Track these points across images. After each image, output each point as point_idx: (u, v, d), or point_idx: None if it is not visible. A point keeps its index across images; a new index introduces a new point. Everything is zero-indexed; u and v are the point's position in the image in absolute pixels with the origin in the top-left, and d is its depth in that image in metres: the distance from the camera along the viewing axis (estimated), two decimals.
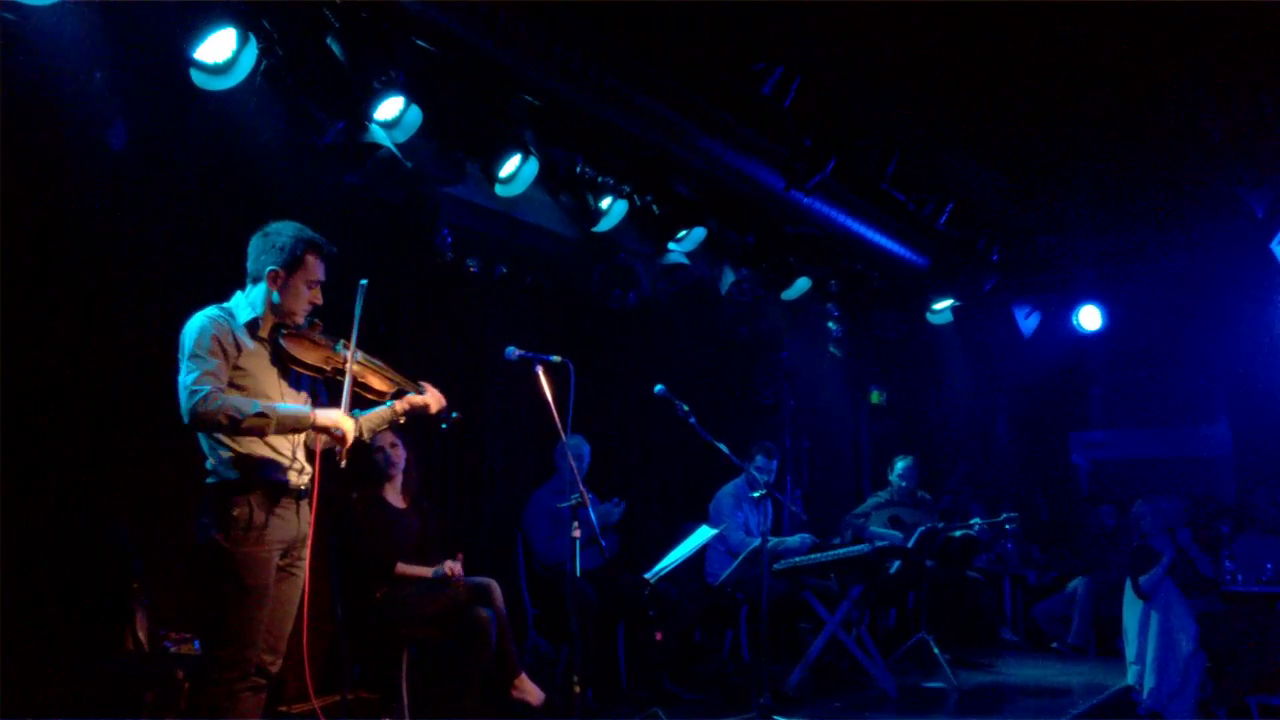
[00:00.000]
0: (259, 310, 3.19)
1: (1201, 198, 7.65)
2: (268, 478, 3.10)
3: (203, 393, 2.93)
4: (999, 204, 8.01)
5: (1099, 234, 8.54)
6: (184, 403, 2.95)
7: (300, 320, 3.23)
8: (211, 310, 3.15)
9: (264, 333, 3.19)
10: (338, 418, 3.12)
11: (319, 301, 3.26)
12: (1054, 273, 8.79)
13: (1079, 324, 9.17)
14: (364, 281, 3.21)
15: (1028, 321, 8.90)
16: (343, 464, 3.24)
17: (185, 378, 2.97)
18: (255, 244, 3.23)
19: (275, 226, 3.23)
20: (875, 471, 8.90)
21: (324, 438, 3.28)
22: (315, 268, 3.22)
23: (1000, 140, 7.09)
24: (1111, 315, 9.10)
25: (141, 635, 3.94)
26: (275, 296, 3.18)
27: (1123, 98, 6.52)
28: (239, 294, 3.25)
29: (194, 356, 3.00)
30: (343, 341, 3.23)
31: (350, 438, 3.14)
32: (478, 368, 6.30)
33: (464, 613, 4.31)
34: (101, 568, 3.99)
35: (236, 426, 2.96)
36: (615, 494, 5.69)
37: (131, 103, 4.07)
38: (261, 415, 2.98)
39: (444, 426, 3.50)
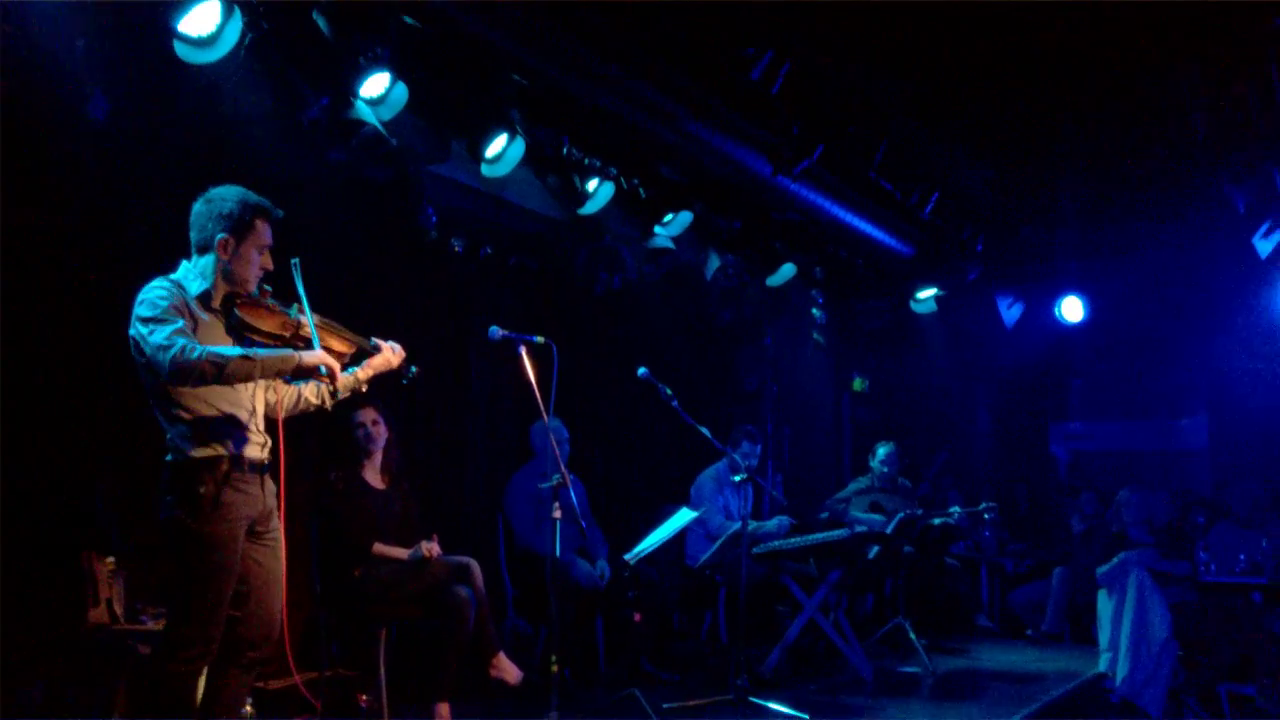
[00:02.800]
0: (209, 280, 3.10)
1: (1185, 192, 7.70)
2: (229, 451, 3.03)
3: (179, 344, 2.85)
4: (984, 195, 8.06)
5: (1083, 226, 8.60)
6: (162, 360, 2.85)
7: (251, 288, 3.14)
8: (160, 280, 3.05)
9: (216, 303, 3.10)
10: (320, 354, 3.04)
11: (270, 267, 3.17)
12: (1038, 264, 8.84)
13: (1061, 315, 9.23)
14: (296, 260, 3.13)
15: (1010, 312, 8.95)
16: (331, 404, 3.22)
17: (154, 338, 2.88)
18: (199, 211, 3.12)
19: (217, 192, 3.13)
20: (856, 458, 8.94)
21: (287, 401, 3.26)
22: (264, 232, 3.14)
23: (987, 131, 7.13)
24: (1094, 307, 9.17)
25: (118, 608, 3.93)
26: (226, 266, 3.09)
27: (1109, 91, 6.55)
28: (185, 264, 3.14)
29: (156, 320, 2.91)
30: (295, 305, 3.16)
31: (339, 373, 3.09)
32: (461, 348, 6.29)
33: (443, 591, 4.31)
34: (76, 539, 3.97)
35: (221, 373, 2.87)
36: (596, 477, 5.71)
37: (113, 74, 4.02)
38: (246, 359, 2.91)
39: (404, 382, 3.44)
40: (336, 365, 3.08)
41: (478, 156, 5.34)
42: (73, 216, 4.27)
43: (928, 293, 8.46)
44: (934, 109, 6.73)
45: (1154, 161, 7.46)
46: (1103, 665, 6.12)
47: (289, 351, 3.03)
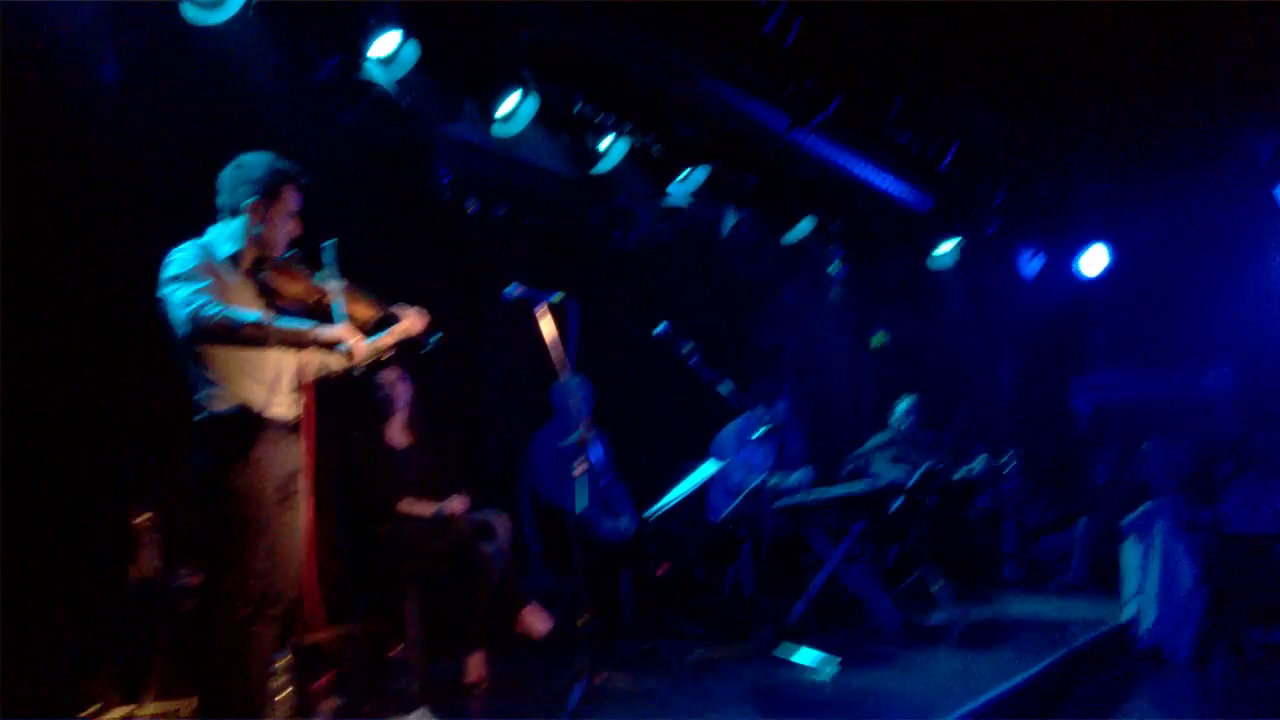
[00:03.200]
0: (239, 243, 3.15)
1: (1206, 142, 7.60)
2: (259, 410, 3.08)
3: (198, 302, 2.90)
4: (1003, 147, 7.95)
5: (1103, 178, 8.49)
6: (181, 316, 2.92)
7: (279, 253, 3.20)
8: (190, 244, 3.10)
9: (246, 266, 3.15)
10: (341, 330, 3.09)
11: (297, 232, 3.22)
12: (1057, 216, 8.74)
13: (1082, 268, 9.14)
14: (331, 242, 3.18)
15: (1030, 265, 8.87)
16: (358, 370, 3.23)
17: (178, 294, 2.94)
18: (229, 176, 3.18)
19: (248, 158, 3.19)
20: (877, 413, 8.91)
21: (313, 366, 3.28)
22: (293, 198, 3.19)
23: (1006, 81, 7.02)
24: (1115, 258, 9.07)
25: (153, 567, 3.97)
26: (256, 229, 3.14)
27: (1130, 39, 6.44)
28: (214, 228, 3.19)
29: (184, 278, 2.97)
30: (323, 270, 3.20)
31: (359, 347, 3.12)
32: (476, 308, 6.29)
33: (467, 548, 4.35)
34: (113, 500, 4.01)
35: (233, 335, 2.92)
36: (616, 435, 5.70)
37: (123, 36, 4.01)
38: (258, 325, 2.96)
39: (426, 349, 3.44)
40: (358, 342, 3.11)
41: (490, 116, 5.31)
42: (88, 174, 4.27)
43: (947, 246, 8.39)
44: (951, 59, 6.63)
45: (1176, 111, 7.35)
46: (1129, 613, 6.11)
47: (307, 325, 3.08)
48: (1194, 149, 7.76)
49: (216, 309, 2.90)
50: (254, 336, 2.95)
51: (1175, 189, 8.32)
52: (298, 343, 3.06)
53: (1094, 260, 9.11)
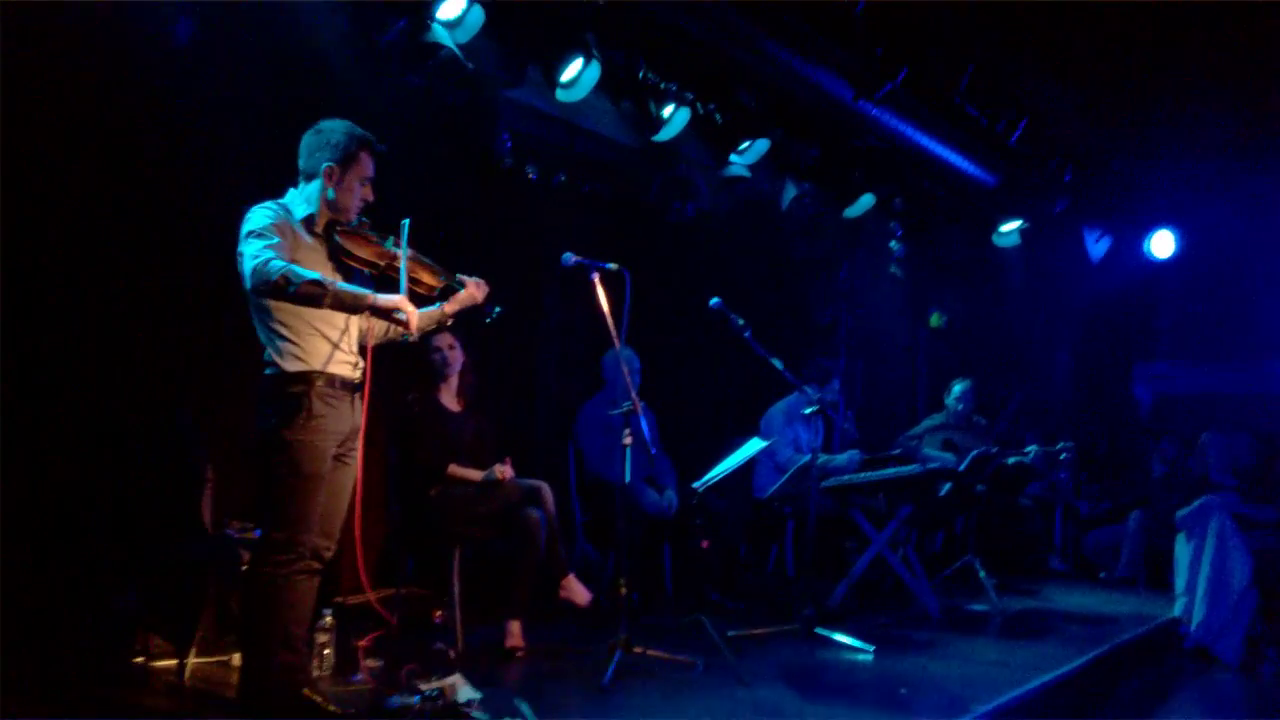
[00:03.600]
0: (314, 206, 3.25)
1: None
2: (324, 369, 3.17)
3: (265, 257, 2.98)
4: (1074, 123, 7.73)
5: (1177, 159, 8.24)
6: (246, 270, 3.00)
7: (352, 217, 3.29)
8: (269, 204, 3.20)
9: (319, 228, 3.26)
10: (399, 300, 3.15)
11: (370, 198, 3.31)
12: (1127, 197, 8.50)
13: (1150, 251, 8.91)
14: (406, 221, 3.22)
15: (1097, 246, 8.66)
16: (413, 338, 3.29)
17: (248, 249, 3.03)
18: (308, 141, 3.28)
19: (327, 124, 3.27)
20: (931, 395, 8.81)
21: (378, 330, 3.34)
22: (368, 164, 3.28)
23: (1078, 55, 6.80)
24: (1184, 243, 8.83)
25: (206, 521, 4.08)
26: (330, 193, 3.24)
27: (1208, 16, 6.20)
28: (293, 191, 3.30)
29: (257, 235, 3.06)
30: (392, 238, 3.28)
31: (414, 317, 3.17)
32: (533, 275, 6.31)
33: (514, 513, 4.38)
34: (168, 456, 4.11)
35: (290, 291, 2.97)
36: (666, 408, 5.69)
37: None
38: (318, 284, 3.00)
39: (488, 320, 3.49)
40: (413, 313, 3.17)
41: (553, 81, 5.28)
42: (156, 135, 4.35)
43: (1011, 225, 8.22)
44: (1023, 31, 6.44)
45: (1254, 95, 7.08)
46: (1178, 610, 6.01)
47: (366, 291, 3.13)
48: (1271, 130, 7.49)
49: (280, 265, 2.97)
50: (311, 294, 3.00)
51: (1249, 176, 8.06)
52: (355, 307, 3.12)
53: (1163, 243, 8.87)
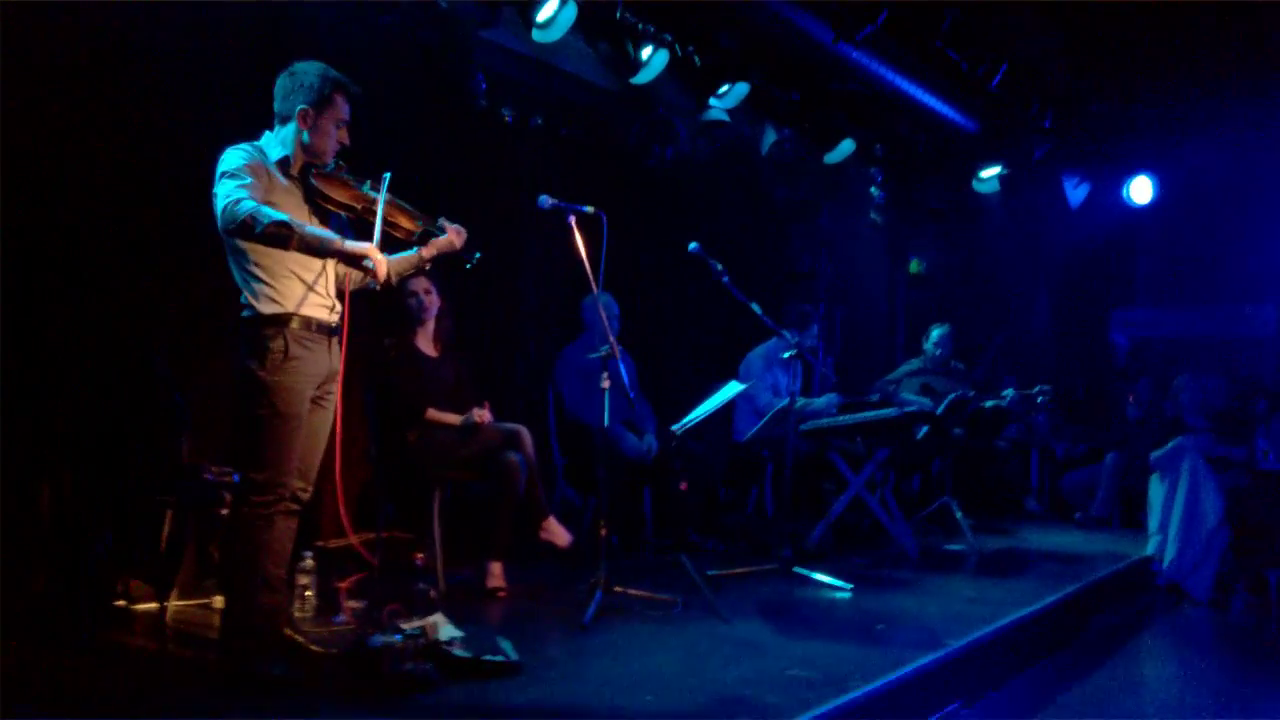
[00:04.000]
0: (289, 149, 3.22)
1: (1267, 70, 7.30)
2: (300, 312, 3.16)
3: (236, 197, 2.96)
4: (1055, 68, 7.68)
5: (1156, 104, 8.20)
6: (218, 211, 2.99)
7: (329, 160, 3.26)
8: (244, 145, 3.17)
9: (295, 170, 3.23)
10: (368, 247, 3.13)
11: (346, 142, 3.27)
12: (1107, 142, 8.49)
13: (1130, 197, 8.92)
14: (387, 175, 3.20)
15: (1076, 192, 8.66)
16: (379, 286, 3.26)
17: (221, 189, 3.01)
18: (282, 84, 3.23)
19: (301, 66, 3.23)
20: (910, 340, 8.85)
21: (355, 276, 3.31)
22: (342, 107, 3.24)
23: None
24: (1164, 188, 8.84)
25: (184, 466, 4.06)
26: (305, 136, 3.20)
27: None
28: (268, 134, 3.26)
29: (231, 175, 3.04)
30: (369, 182, 3.25)
31: (383, 267, 3.16)
32: (510, 220, 6.25)
33: (494, 456, 4.39)
34: (146, 400, 4.09)
35: (258, 231, 2.94)
36: (645, 353, 5.67)
37: None
38: (285, 225, 2.98)
39: (468, 267, 3.48)
40: (382, 262, 3.14)
41: (529, 21, 5.21)
42: (130, 79, 4.26)
43: (991, 171, 8.21)
44: None
45: (1236, 36, 7.05)
46: (1151, 549, 6.12)
47: (334, 236, 3.11)
48: (1254, 76, 7.46)
49: (249, 206, 2.95)
50: (278, 235, 2.97)
51: (1229, 122, 8.04)
52: (322, 251, 3.09)
53: (1142, 188, 8.88)
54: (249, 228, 2.94)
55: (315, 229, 3.10)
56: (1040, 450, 8.39)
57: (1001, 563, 5.81)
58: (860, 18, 5.79)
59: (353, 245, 3.11)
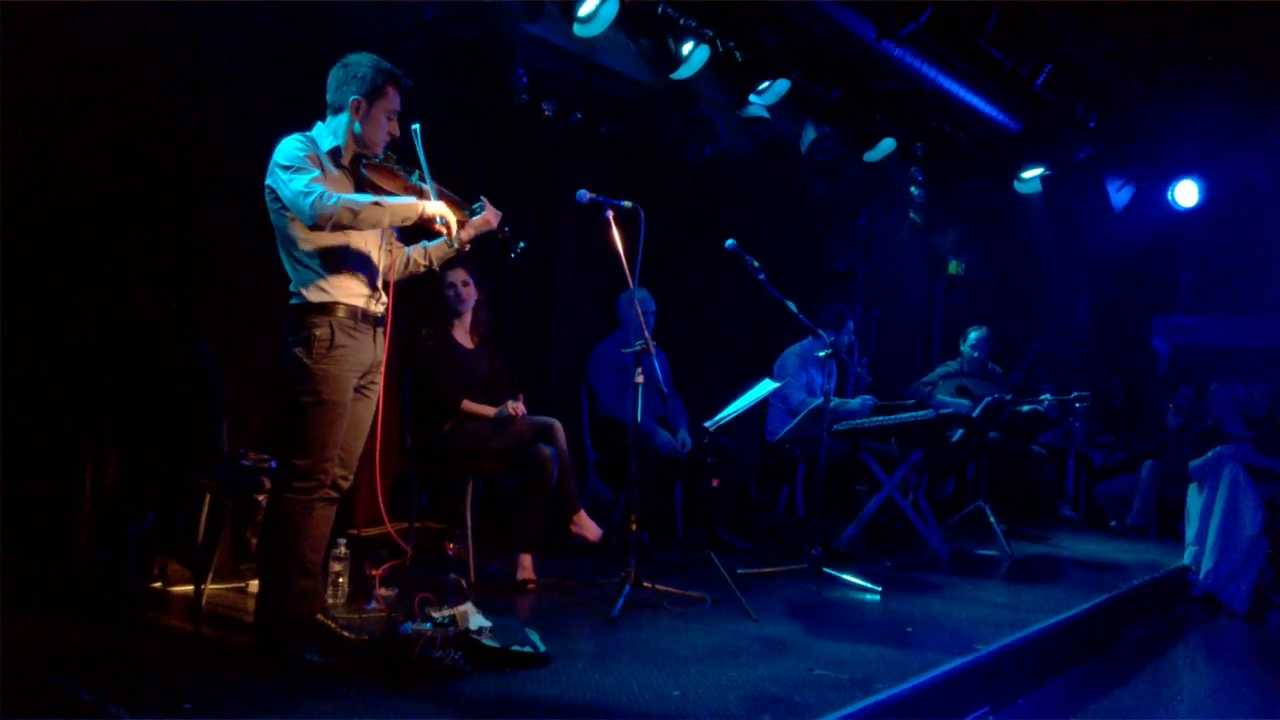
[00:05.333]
0: (341, 139, 3.27)
1: None
2: (348, 301, 3.22)
3: (317, 191, 3.04)
4: (1100, 68, 7.58)
5: (1204, 107, 8.07)
6: (303, 206, 3.04)
7: (379, 151, 3.30)
8: (298, 135, 3.22)
9: (346, 161, 3.28)
10: (442, 207, 3.22)
11: (396, 133, 3.32)
12: (1152, 145, 8.37)
13: (1174, 200, 8.80)
14: (416, 126, 3.26)
15: (1120, 195, 8.55)
16: (465, 247, 3.40)
17: (294, 184, 3.07)
18: (335, 75, 3.28)
19: (354, 58, 3.27)
20: (947, 342, 8.78)
21: (399, 265, 3.40)
22: (394, 98, 3.28)
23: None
24: (1209, 193, 8.70)
25: (223, 451, 4.12)
26: (357, 127, 3.25)
27: None
28: (320, 125, 3.31)
29: (294, 168, 3.09)
30: (416, 172, 3.32)
31: (454, 224, 3.24)
32: (549, 214, 6.29)
33: (527, 448, 4.42)
34: (188, 385, 4.15)
35: (356, 218, 3.07)
36: (680, 350, 5.68)
37: None
38: (377, 205, 3.11)
39: (513, 255, 3.52)
40: (454, 219, 3.25)
41: (571, 16, 5.22)
42: (180, 70, 4.33)
43: (1034, 172, 8.12)
44: None
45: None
46: (1187, 559, 6.04)
47: (413, 200, 3.22)
48: None
49: (335, 198, 3.04)
50: (373, 216, 3.10)
51: (1275, 127, 7.90)
52: (409, 217, 3.19)
53: (1187, 192, 8.75)
54: (348, 217, 3.03)
55: (397, 198, 3.21)
56: (1076, 456, 8.29)
57: (1034, 569, 5.76)
58: (904, 15, 5.74)
59: (430, 206, 3.20)
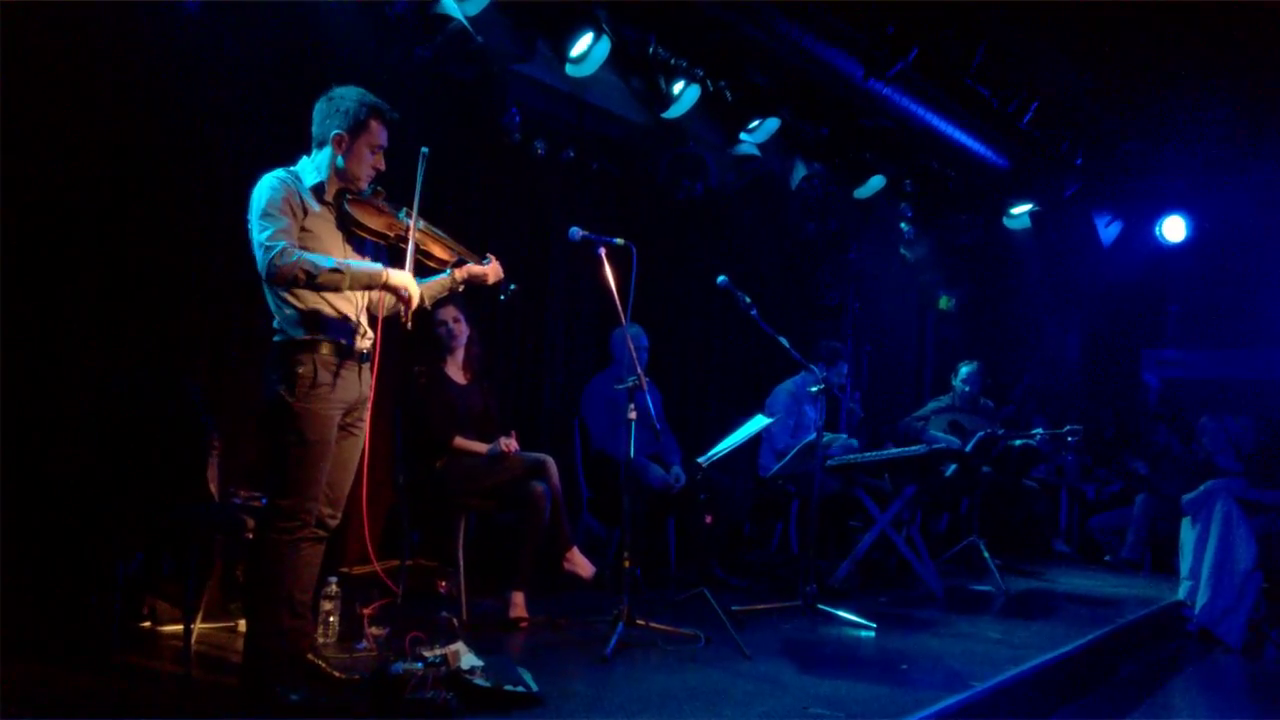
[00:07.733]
0: (324, 174, 3.22)
1: None
2: (332, 338, 3.17)
3: (278, 248, 2.99)
4: (1086, 105, 7.68)
5: (1189, 143, 8.17)
6: (260, 259, 3.01)
7: (363, 186, 3.25)
8: (279, 172, 3.18)
9: (329, 197, 3.23)
10: (407, 279, 3.17)
11: (381, 167, 3.27)
12: (1139, 181, 8.46)
13: (1162, 236, 8.88)
14: (425, 150, 3.22)
15: (1108, 230, 8.64)
16: (409, 326, 3.27)
17: (260, 235, 3.03)
18: (320, 108, 3.24)
19: (339, 91, 3.23)
20: (938, 377, 8.81)
21: (389, 302, 3.32)
22: (379, 132, 3.23)
23: (1091, 36, 6.74)
24: (1196, 228, 8.78)
25: (213, 489, 4.10)
26: (340, 160, 3.20)
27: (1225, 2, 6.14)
28: (304, 159, 3.27)
29: (266, 215, 3.05)
30: (405, 209, 3.26)
31: (415, 300, 3.18)
32: (541, 251, 6.31)
33: (520, 485, 4.40)
34: (176, 424, 4.13)
35: (312, 281, 3.02)
36: (672, 386, 5.68)
37: None
38: (336, 271, 3.05)
39: (502, 298, 3.53)
40: (415, 295, 3.18)
41: (563, 56, 5.27)
42: (166, 104, 4.36)
43: (1022, 208, 8.19)
44: (1035, 12, 6.39)
45: (1269, 74, 7.02)
46: (1182, 593, 6.02)
47: (378, 268, 3.14)
48: None
49: (294, 257, 2.99)
50: (330, 281, 3.04)
51: (1262, 162, 8.00)
52: (370, 285, 3.15)
53: (1175, 228, 8.83)
54: (306, 279, 2.99)
55: (360, 264, 3.14)
56: (1069, 491, 8.29)
57: (1029, 604, 5.73)
58: (891, 54, 5.82)
59: (395, 277, 3.14)
